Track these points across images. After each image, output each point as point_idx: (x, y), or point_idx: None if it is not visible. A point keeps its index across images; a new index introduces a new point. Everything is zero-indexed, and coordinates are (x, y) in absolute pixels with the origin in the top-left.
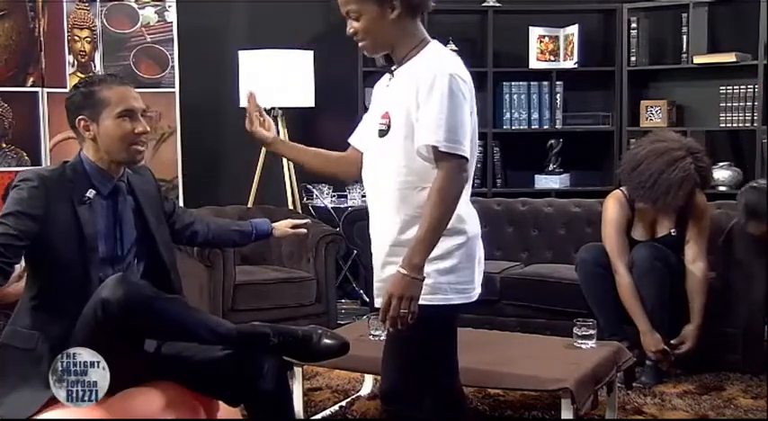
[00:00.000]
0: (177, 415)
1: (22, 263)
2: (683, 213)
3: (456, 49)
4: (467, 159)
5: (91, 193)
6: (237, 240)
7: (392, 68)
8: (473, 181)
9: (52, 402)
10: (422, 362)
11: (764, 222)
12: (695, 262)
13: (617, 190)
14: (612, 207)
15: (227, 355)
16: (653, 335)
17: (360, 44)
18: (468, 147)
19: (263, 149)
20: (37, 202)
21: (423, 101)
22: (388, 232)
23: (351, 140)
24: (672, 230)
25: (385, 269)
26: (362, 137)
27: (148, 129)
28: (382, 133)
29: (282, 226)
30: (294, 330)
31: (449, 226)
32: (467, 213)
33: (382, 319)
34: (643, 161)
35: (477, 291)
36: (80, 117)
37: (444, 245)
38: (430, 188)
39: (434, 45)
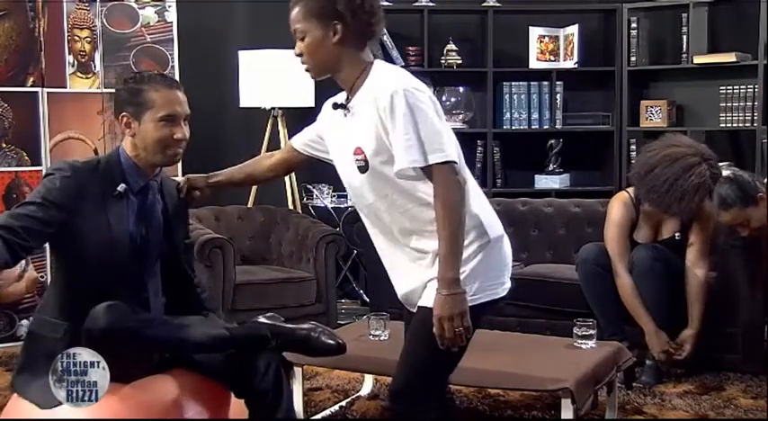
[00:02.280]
0: (193, 401)
1: (23, 263)
2: (688, 217)
3: (456, 48)
4: (455, 161)
5: (122, 187)
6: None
7: (344, 102)
8: None
9: None
10: (441, 363)
11: (735, 212)
12: (696, 265)
13: (623, 191)
14: (617, 208)
15: (226, 355)
16: (659, 336)
17: (304, 67)
18: (453, 149)
19: (264, 149)
20: (67, 192)
21: (390, 126)
22: (406, 254)
23: (295, 145)
24: (676, 234)
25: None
26: (310, 145)
27: (188, 135)
28: (362, 169)
29: None
30: (292, 330)
31: (470, 230)
32: (487, 216)
33: (442, 345)
34: (657, 166)
35: (507, 286)
36: (123, 113)
37: (468, 249)
38: (434, 203)
39: (378, 65)
